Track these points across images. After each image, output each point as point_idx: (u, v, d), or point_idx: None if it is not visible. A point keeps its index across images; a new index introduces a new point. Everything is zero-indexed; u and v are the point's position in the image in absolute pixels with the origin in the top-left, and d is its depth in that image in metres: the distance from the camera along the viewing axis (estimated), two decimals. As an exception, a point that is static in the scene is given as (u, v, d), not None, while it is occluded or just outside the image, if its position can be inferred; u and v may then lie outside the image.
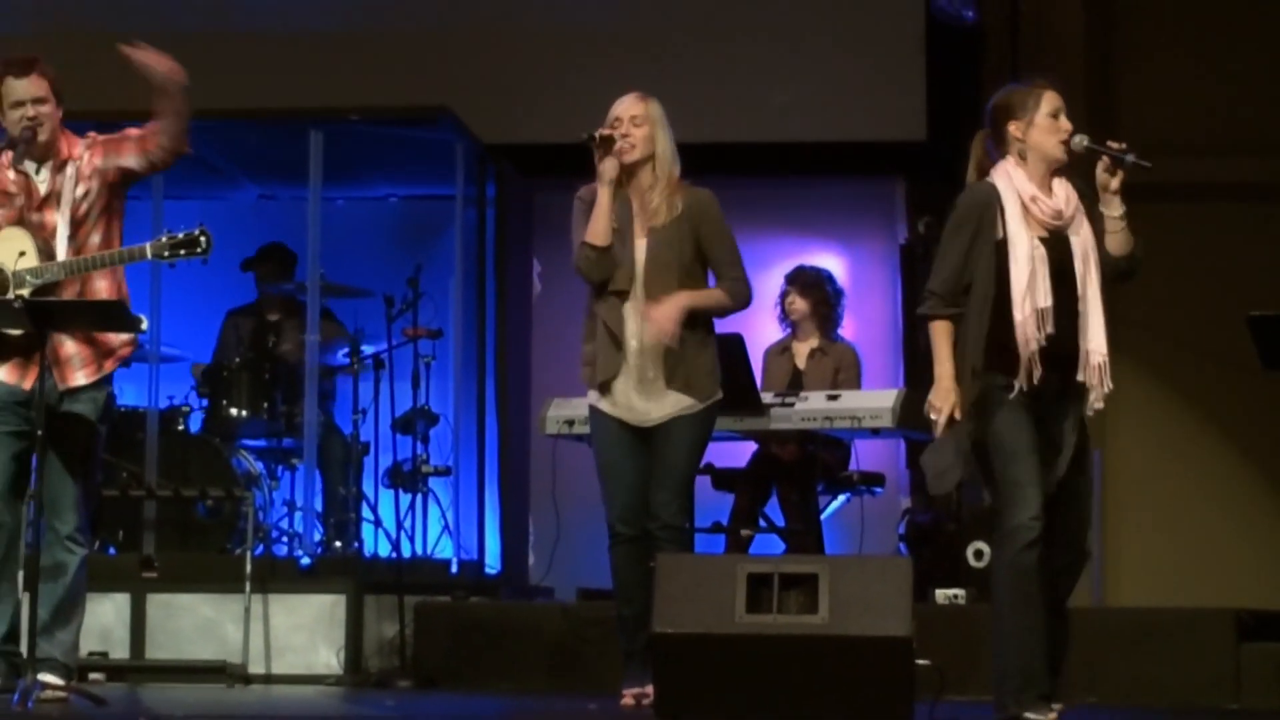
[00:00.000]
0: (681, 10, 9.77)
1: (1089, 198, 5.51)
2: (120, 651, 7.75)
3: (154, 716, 6.14)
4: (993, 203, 5.45)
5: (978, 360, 5.40)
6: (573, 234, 6.21)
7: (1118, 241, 5.48)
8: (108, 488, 7.87)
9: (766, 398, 7.81)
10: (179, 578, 7.91)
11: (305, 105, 8.99)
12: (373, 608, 7.84)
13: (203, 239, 5.94)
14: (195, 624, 7.80)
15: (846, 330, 8.68)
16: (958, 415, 5.39)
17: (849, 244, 9.94)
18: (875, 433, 7.81)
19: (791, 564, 5.60)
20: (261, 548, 8.29)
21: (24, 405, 5.92)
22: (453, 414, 9.06)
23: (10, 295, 5.86)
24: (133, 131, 6.09)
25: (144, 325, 6.07)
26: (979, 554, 7.73)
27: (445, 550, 8.97)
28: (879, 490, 8.48)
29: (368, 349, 8.91)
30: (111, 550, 8.38)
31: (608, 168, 6.13)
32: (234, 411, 8.86)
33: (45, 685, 5.83)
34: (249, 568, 7.73)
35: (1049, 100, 5.48)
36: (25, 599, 5.90)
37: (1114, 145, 5.44)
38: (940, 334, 5.47)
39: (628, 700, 6.17)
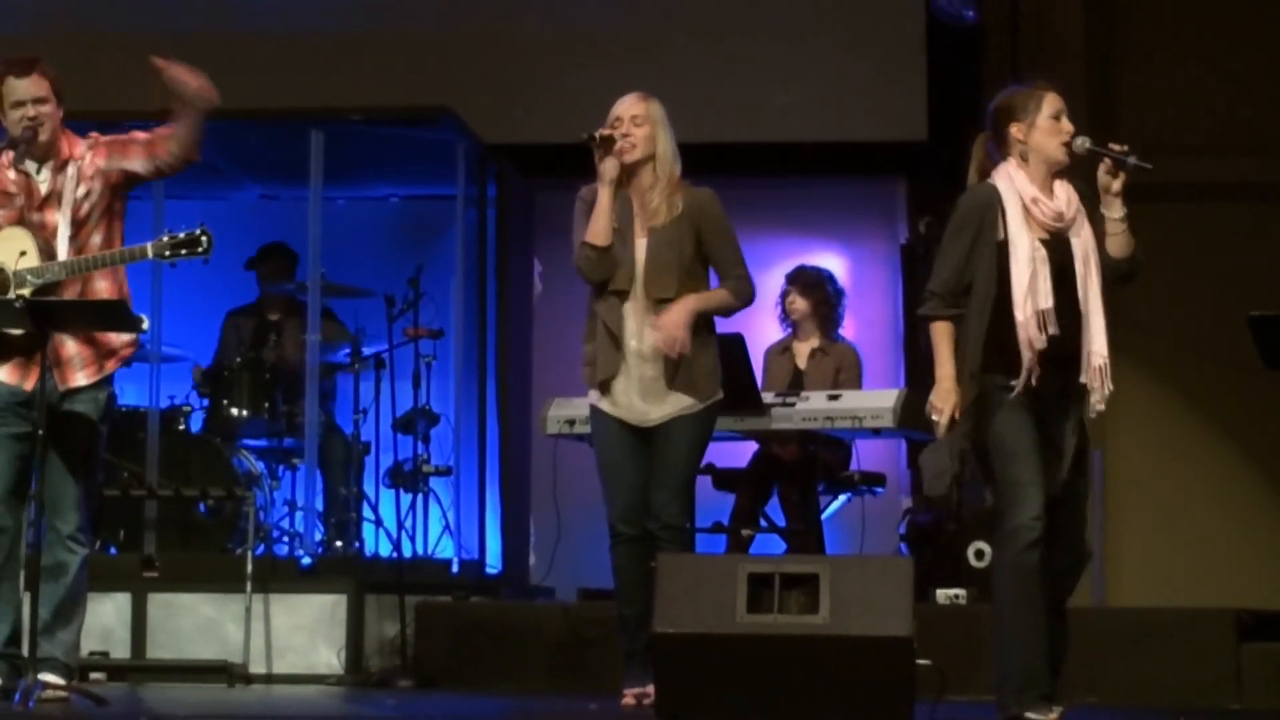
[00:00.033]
0: (681, 10, 9.77)
1: (1090, 199, 5.51)
2: (121, 651, 7.75)
3: (155, 716, 6.13)
4: (994, 204, 5.45)
5: (977, 361, 5.40)
6: (573, 234, 6.21)
7: (1119, 244, 5.48)
8: (109, 487, 7.86)
9: (767, 398, 7.81)
10: (180, 577, 7.91)
11: (306, 105, 8.99)
12: (374, 608, 7.84)
13: (204, 239, 5.93)
14: (196, 624, 7.80)
15: (847, 330, 8.68)
16: (958, 416, 5.39)
17: (850, 244, 9.94)
18: (876, 433, 7.81)
19: (792, 564, 5.59)
20: (262, 547, 8.29)
21: (25, 406, 5.92)
22: (454, 414, 9.05)
23: (11, 295, 5.86)
24: (140, 135, 6.07)
25: (145, 325, 6.05)
26: (980, 554, 7.72)
27: (446, 550, 8.97)
28: (880, 490, 8.48)
29: (368, 349, 8.91)
30: (112, 550, 8.38)
31: (608, 167, 6.13)
32: (235, 411, 8.86)
33: (46, 685, 5.83)
34: (250, 567, 7.73)
35: (1050, 102, 5.48)
36: (26, 599, 5.89)
37: (1115, 147, 5.43)
38: (941, 335, 5.47)
39: (628, 700, 6.17)
